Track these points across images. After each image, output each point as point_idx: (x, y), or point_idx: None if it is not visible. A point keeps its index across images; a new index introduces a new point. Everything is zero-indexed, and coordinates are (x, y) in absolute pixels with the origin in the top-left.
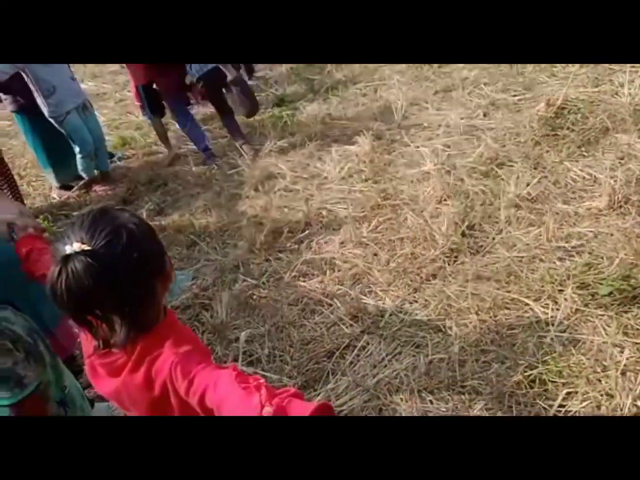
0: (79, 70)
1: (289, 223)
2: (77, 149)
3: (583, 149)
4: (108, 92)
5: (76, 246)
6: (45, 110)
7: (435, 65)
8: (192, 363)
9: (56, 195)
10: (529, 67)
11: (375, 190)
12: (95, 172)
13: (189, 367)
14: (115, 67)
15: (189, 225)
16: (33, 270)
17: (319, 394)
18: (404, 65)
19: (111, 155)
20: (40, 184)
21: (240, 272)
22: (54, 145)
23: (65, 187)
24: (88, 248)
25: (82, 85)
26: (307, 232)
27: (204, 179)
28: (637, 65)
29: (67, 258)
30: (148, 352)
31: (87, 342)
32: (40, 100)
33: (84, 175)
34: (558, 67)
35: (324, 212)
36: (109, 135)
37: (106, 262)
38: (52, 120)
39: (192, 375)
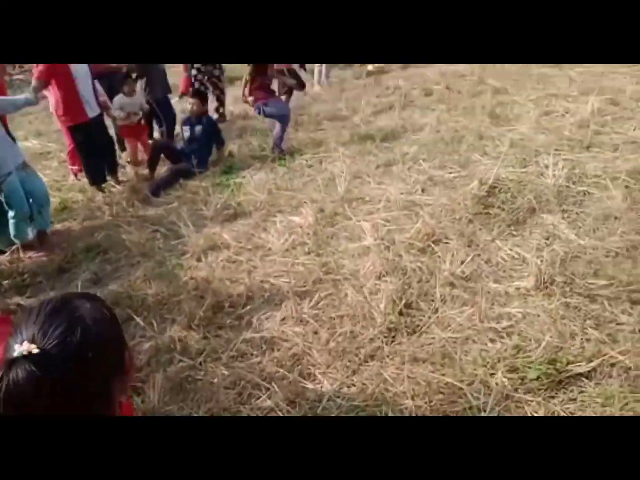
0: (23, 127)
1: (231, 297)
2: (11, 213)
3: (512, 227)
4: (52, 152)
5: (25, 347)
6: None
7: (378, 139)
8: None
9: None
10: (464, 145)
11: (317, 263)
12: (30, 235)
13: None
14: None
15: (127, 297)
16: None
17: None
18: (348, 138)
19: None
20: None
21: (177, 351)
22: None
23: None
24: (36, 351)
25: (27, 144)
26: (248, 307)
27: (146, 248)
28: (560, 148)
29: (10, 364)
30: None
31: None
32: None
33: (16, 240)
34: (490, 147)
35: (266, 286)
36: (51, 197)
37: (55, 365)
38: None
39: None
